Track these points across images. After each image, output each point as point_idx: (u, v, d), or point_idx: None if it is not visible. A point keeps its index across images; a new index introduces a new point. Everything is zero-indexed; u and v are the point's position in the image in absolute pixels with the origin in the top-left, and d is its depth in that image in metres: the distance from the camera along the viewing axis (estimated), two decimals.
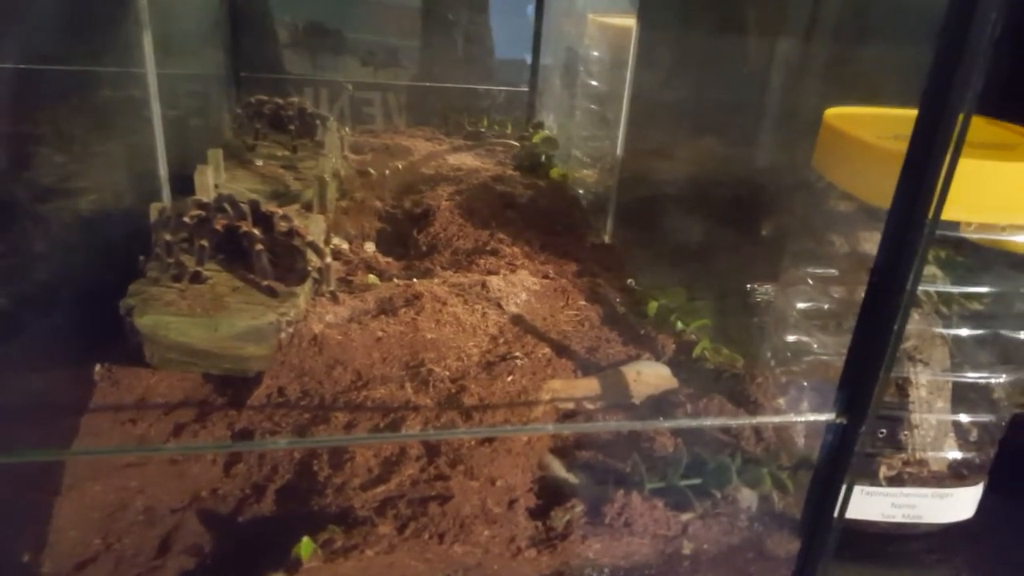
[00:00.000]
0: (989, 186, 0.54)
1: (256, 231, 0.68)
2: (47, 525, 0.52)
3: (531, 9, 1.23)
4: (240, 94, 1.15)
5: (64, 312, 0.67)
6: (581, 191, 1.11)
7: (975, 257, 0.60)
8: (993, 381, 0.61)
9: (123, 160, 0.79)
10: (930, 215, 0.42)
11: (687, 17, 0.88)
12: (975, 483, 0.61)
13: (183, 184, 0.83)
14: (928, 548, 0.62)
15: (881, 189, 0.54)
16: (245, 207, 0.69)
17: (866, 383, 0.47)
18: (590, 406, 0.64)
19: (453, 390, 0.61)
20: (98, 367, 0.64)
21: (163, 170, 0.82)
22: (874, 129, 0.60)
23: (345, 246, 0.89)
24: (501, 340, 0.68)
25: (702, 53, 0.87)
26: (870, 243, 0.63)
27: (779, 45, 0.85)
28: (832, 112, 0.65)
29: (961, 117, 0.39)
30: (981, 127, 0.65)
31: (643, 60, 0.88)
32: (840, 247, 0.66)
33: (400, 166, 1.07)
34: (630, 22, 1.00)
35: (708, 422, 0.60)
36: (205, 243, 0.65)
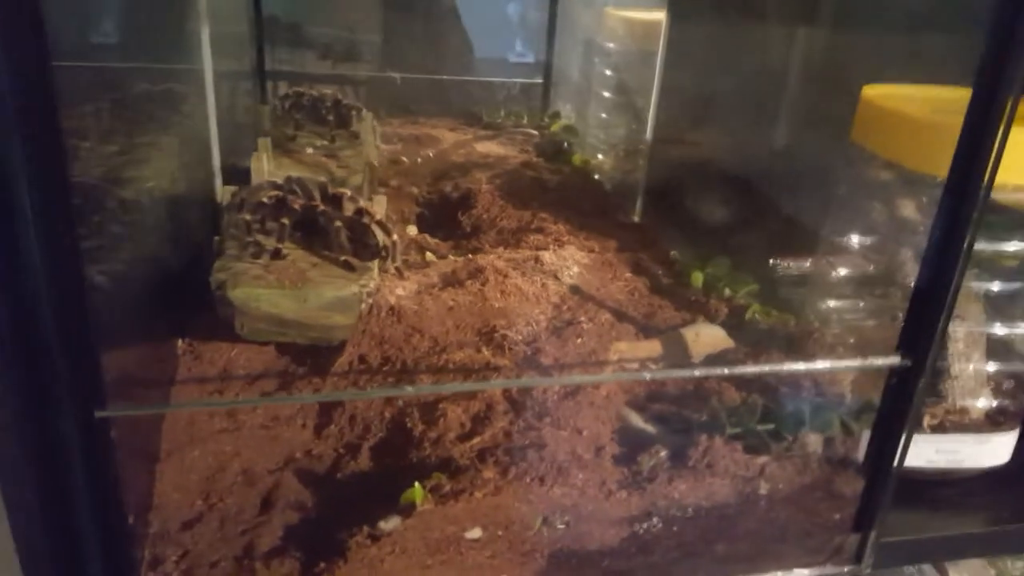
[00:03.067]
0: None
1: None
2: (150, 488, 0.54)
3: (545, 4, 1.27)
4: (269, 87, 1.18)
5: (142, 288, 0.70)
6: (597, 176, 1.16)
7: (1005, 217, 0.65)
8: None
9: (181, 150, 0.82)
10: (984, 184, 0.46)
11: (716, 7, 0.93)
12: (1010, 429, 0.66)
13: (228, 172, 0.86)
14: (967, 492, 0.66)
15: (928, 158, 0.60)
16: (314, 189, 0.72)
17: (929, 326, 0.50)
18: (653, 366, 0.68)
19: (528, 352, 0.65)
20: (180, 342, 0.67)
21: (217, 160, 0.85)
22: (912, 104, 0.65)
23: None
24: (564, 308, 0.72)
25: (730, 40, 0.91)
26: (908, 208, 0.69)
27: (807, 33, 0.91)
28: (870, 89, 0.70)
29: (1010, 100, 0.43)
30: None
31: (672, 50, 0.92)
32: (879, 214, 0.71)
33: (431, 154, 1.10)
34: (650, 16, 1.05)
35: (783, 367, 0.64)
36: (286, 221, 0.68)
